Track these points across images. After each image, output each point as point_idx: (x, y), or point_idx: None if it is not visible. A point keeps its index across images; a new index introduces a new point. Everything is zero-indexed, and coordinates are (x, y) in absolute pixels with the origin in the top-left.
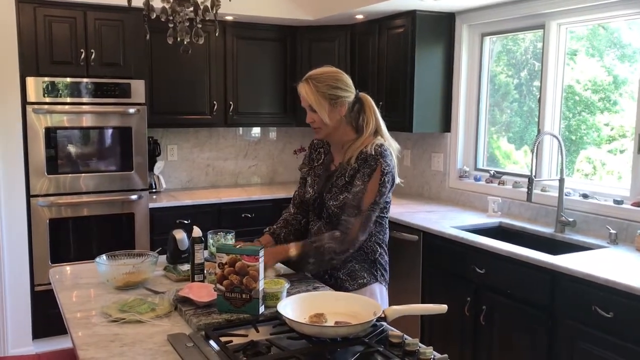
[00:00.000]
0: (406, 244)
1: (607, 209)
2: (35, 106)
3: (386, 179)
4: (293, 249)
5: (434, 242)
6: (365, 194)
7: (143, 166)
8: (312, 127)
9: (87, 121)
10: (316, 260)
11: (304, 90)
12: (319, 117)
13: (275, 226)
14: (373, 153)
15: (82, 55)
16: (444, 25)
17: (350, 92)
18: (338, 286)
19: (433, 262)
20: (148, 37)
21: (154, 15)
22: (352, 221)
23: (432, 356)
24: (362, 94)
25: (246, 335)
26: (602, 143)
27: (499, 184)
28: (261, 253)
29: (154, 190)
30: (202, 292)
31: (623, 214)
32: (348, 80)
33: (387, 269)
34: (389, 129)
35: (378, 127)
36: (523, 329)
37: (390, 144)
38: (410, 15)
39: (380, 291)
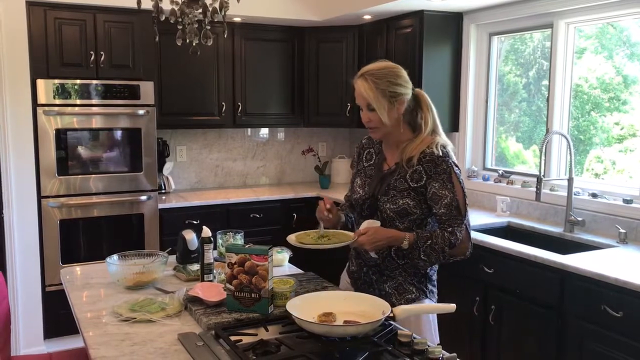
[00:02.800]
0: None
1: (616, 208)
2: (46, 108)
3: (461, 179)
4: (406, 241)
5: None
6: (459, 202)
7: (152, 167)
8: (368, 127)
9: (96, 123)
10: (427, 259)
11: (363, 87)
12: (377, 116)
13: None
14: (440, 154)
15: (92, 58)
16: (451, 25)
17: (409, 89)
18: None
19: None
20: (157, 38)
21: (163, 17)
22: (459, 231)
23: (441, 355)
24: (417, 90)
25: (256, 335)
26: (611, 143)
27: (507, 183)
28: (270, 253)
29: (163, 191)
30: (212, 291)
31: (633, 213)
32: (406, 76)
33: (435, 282)
34: None
35: (435, 125)
36: (532, 329)
37: (447, 143)
38: (418, 15)
39: None
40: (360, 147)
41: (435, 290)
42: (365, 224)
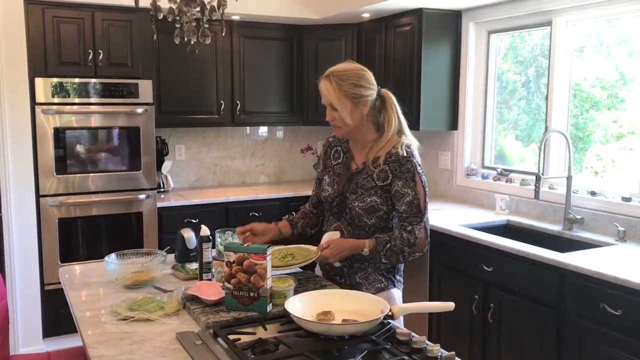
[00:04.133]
0: None
1: (615, 206)
2: (44, 107)
3: (424, 179)
4: (367, 247)
5: (441, 240)
6: (419, 201)
7: (151, 166)
8: (332, 125)
9: (95, 121)
10: (388, 261)
11: (326, 87)
12: (340, 115)
13: (294, 215)
14: (405, 154)
15: (90, 56)
16: (450, 23)
17: (373, 90)
18: (354, 290)
19: (440, 260)
20: (155, 37)
21: (161, 16)
22: (418, 229)
23: (440, 354)
24: (384, 91)
25: (254, 333)
26: (610, 141)
27: (506, 181)
28: (268, 251)
29: (162, 189)
30: (210, 290)
31: (631, 211)
32: (371, 77)
33: (402, 272)
34: None
35: (401, 126)
36: (531, 327)
37: (413, 142)
38: (417, 13)
39: (397, 296)
40: (328, 145)
41: (402, 279)
42: (327, 237)
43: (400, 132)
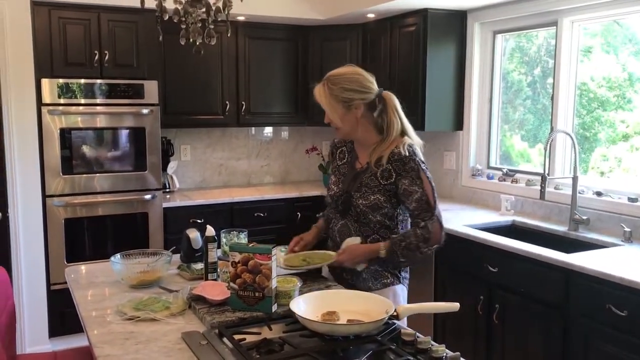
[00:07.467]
0: None
1: (621, 206)
2: (50, 107)
3: (429, 175)
4: (383, 250)
5: (446, 240)
6: (428, 197)
7: (157, 166)
8: (332, 126)
9: (101, 122)
10: (407, 259)
11: (317, 93)
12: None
13: (326, 211)
14: (407, 154)
15: (96, 57)
16: (455, 23)
17: (367, 93)
18: (360, 286)
19: (446, 261)
20: (161, 38)
21: (167, 17)
22: (431, 224)
23: (444, 354)
24: (385, 93)
25: (259, 333)
26: (617, 141)
27: (512, 182)
28: (273, 252)
29: (167, 190)
30: (216, 290)
31: (638, 212)
32: (366, 81)
33: (408, 270)
34: None
35: (403, 127)
36: (536, 328)
37: (416, 141)
38: (422, 13)
39: (402, 293)
40: (334, 146)
41: (407, 276)
42: (345, 244)
43: (403, 134)
